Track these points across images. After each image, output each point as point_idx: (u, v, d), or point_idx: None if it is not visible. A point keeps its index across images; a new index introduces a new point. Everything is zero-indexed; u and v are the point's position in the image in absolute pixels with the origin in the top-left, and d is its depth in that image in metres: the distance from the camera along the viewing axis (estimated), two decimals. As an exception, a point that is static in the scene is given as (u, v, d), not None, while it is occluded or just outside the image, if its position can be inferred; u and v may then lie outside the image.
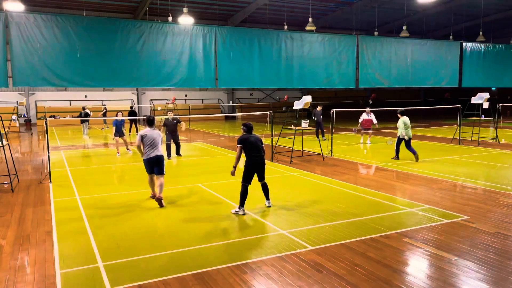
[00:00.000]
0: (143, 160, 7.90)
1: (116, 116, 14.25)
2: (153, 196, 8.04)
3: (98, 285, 4.67)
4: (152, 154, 7.77)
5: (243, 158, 7.39)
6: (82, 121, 20.76)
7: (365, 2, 27.19)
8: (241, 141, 7.31)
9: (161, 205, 7.73)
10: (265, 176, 7.56)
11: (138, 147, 7.87)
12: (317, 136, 16.83)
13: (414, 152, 12.22)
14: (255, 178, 7.44)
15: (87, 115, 20.49)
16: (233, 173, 7.36)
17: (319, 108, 17.22)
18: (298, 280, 4.71)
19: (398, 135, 12.60)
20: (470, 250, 5.52)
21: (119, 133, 14.24)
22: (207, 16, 29.02)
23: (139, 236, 6.22)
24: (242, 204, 7.22)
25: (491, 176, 10.32)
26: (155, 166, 7.86)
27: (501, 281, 4.64)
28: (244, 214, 7.19)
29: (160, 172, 7.85)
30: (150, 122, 7.97)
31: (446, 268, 4.99)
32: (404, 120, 12.30)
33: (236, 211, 7.26)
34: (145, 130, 7.87)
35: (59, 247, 5.81)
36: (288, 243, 5.82)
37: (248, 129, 7.45)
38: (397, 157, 12.69)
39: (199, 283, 4.66)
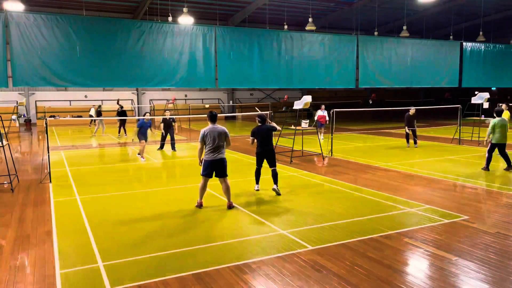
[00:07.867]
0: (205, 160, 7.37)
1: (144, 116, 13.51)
2: (200, 205, 7.56)
3: (98, 285, 4.67)
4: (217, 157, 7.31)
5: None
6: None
7: (365, 2, 27.18)
8: (253, 133, 8.58)
9: (230, 207, 7.49)
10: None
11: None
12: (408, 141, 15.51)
13: None
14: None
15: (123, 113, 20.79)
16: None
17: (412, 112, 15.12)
18: (298, 280, 4.71)
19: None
20: (470, 250, 5.52)
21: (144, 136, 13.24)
22: (207, 16, 29.01)
23: (139, 236, 6.22)
24: (256, 181, 8.82)
25: (491, 176, 10.32)
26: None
27: (501, 281, 4.64)
28: (257, 190, 8.77)
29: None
30: (212, 117, 7.61)
31: (446, 268, 4.99)
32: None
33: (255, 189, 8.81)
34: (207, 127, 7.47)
35: (59, 247, 5.81)
36: (288, 243, 5.82)
37: (262, 120, 8.62)
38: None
39: (199, 283, 4.66)
